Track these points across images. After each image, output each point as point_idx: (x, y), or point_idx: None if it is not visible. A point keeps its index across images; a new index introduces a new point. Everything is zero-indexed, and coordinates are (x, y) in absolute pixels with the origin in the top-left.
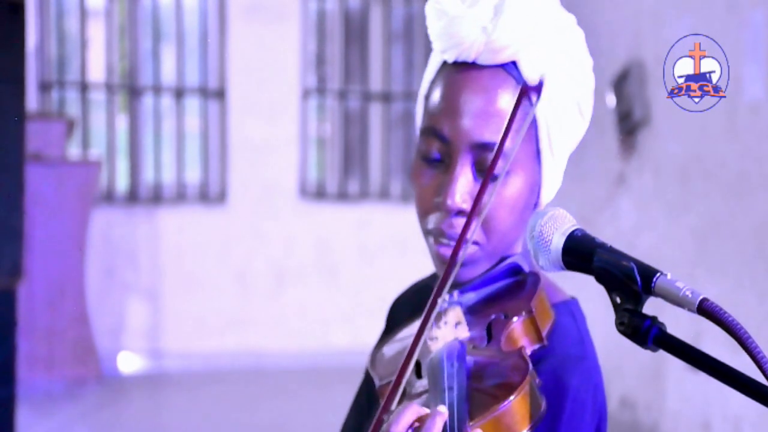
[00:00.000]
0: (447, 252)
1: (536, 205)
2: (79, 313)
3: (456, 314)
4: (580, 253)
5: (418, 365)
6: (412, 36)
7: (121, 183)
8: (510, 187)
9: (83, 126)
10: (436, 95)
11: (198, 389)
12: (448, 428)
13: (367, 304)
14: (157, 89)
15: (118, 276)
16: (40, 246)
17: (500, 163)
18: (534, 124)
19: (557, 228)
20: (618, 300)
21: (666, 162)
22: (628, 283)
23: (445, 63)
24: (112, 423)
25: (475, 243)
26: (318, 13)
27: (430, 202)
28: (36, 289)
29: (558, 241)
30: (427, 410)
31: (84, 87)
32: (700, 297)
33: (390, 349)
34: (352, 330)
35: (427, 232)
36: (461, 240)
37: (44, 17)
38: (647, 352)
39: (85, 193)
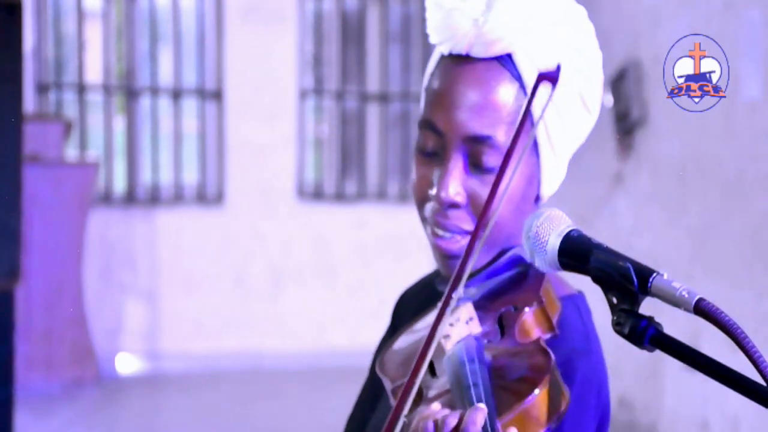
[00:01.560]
0: (443, 245)
1: (538, 198)
2: (77, 315)
3: (467, 310)
4: (577, 253)
5: (431, 365)
6: (410, 36)
7: (119, 184)
8: (505, 180)
9: (80, 127)
10: (433, 88)
11: (196, 390)
12: None
13: (364, 305)
14: (155, 90)
15: (116, 277)
16: (37, 247)
17: (493, 157)
18: (530, 117)
19: (553, 229)
20: (614, 300)
21: (663, 162)
22: (625, 283)
23: (443, 56)
24: (110, 424)
25: (470, 234)
26: (315, 14)
27: (426, 193)
28: (34, 290)
29: (554, 242)
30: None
31: (81, 88)
32: (697, 297)
33: (399, 350)
34: (350, 330)
35: (423, 219)
36: (470, 251)
37: (41, 18)
38: (644, 353)
39: (82, 194)
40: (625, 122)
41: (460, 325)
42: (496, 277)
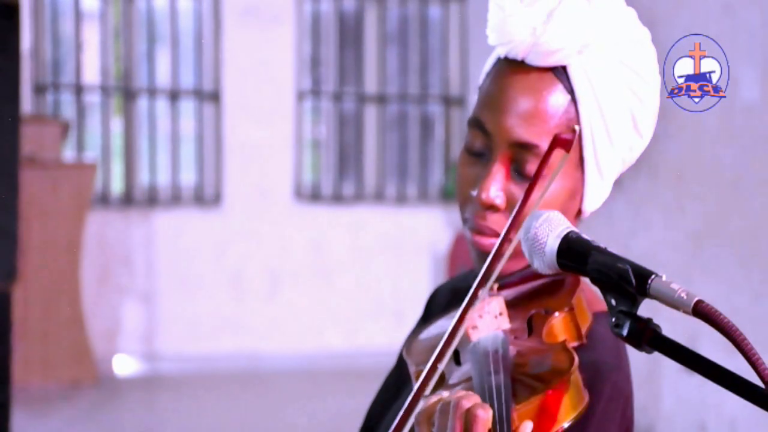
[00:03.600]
0: (481, 241)
1: (580, 212)
2: (74, 316)
3: (499, 305)
4: (575, 255)
5: (456, 354)
6: (408, 38)
7: (116, 185)
8: (547, 191)
9: (78, 128)
10: (486, 88)
11: (193, 392)
12: (496, 411)
13: (362, 306)
14: (152, 92)
15: (114, 279)
16: (35, 249)
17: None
18: (579, 132)
19: (552, 230)
20: (613, 302)
21: (661, 164)
22: (623, 284)
23: (499, 58)
24: (107, 426)
25: (510, 240)
26: (313, 15)
27: (468, 194)
28: (31, 291)
29: (552, 244)
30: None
31: (79, 89)
32: (696, 299)
33: (427, 336)
34: (347, 332)
35: (464, 220)
36: (505, 239)
37: (39, 19)
38: (642, 354)
39: (80, 195)
40: None
41: (489, 318)
42: (532, 280)
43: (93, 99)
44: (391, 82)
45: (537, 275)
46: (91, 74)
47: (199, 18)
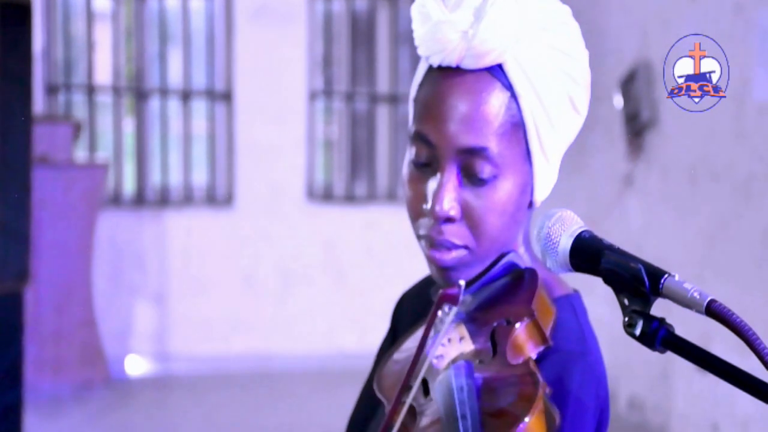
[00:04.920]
0: (438, 256)
1: (531, 204)
2: (86, 317)
3: (459, 330)
4: (588, 254)
5: (426, 384)
6: None
7: (128, 186)
8: (499, 191)
9: (90, 129)
10: (423, 100)
11: (205, 392)
12: None
13: (374, 307)
14: (164, 92)
15: (125, 279)
16: (47, 249)
17: (487, 168)
18: (521, 126)
19: (565, 230)
20: (626, 301)
21: (674, 163)
22: (636, 284)
23: (431, 67)
24: (119, 426)
25: (465, 247)
26: (325, 14)
27: (420, 208)
28: (43, 292)
29: (565, 243)
30: None
31: (91, 90)
32: (708, 298)
33: (394, 367)
34: (360, 332)
35: (418, 237)
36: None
37: (51, 20)
38: (655, 354)
39: (92, 196)
40: (635, 124)
41: (452, 345)
42: (490, 285)
43: (105, 99)
44: (403, 81)
45: (494, 278)
46: (103, 74)
47: (211, 18)
